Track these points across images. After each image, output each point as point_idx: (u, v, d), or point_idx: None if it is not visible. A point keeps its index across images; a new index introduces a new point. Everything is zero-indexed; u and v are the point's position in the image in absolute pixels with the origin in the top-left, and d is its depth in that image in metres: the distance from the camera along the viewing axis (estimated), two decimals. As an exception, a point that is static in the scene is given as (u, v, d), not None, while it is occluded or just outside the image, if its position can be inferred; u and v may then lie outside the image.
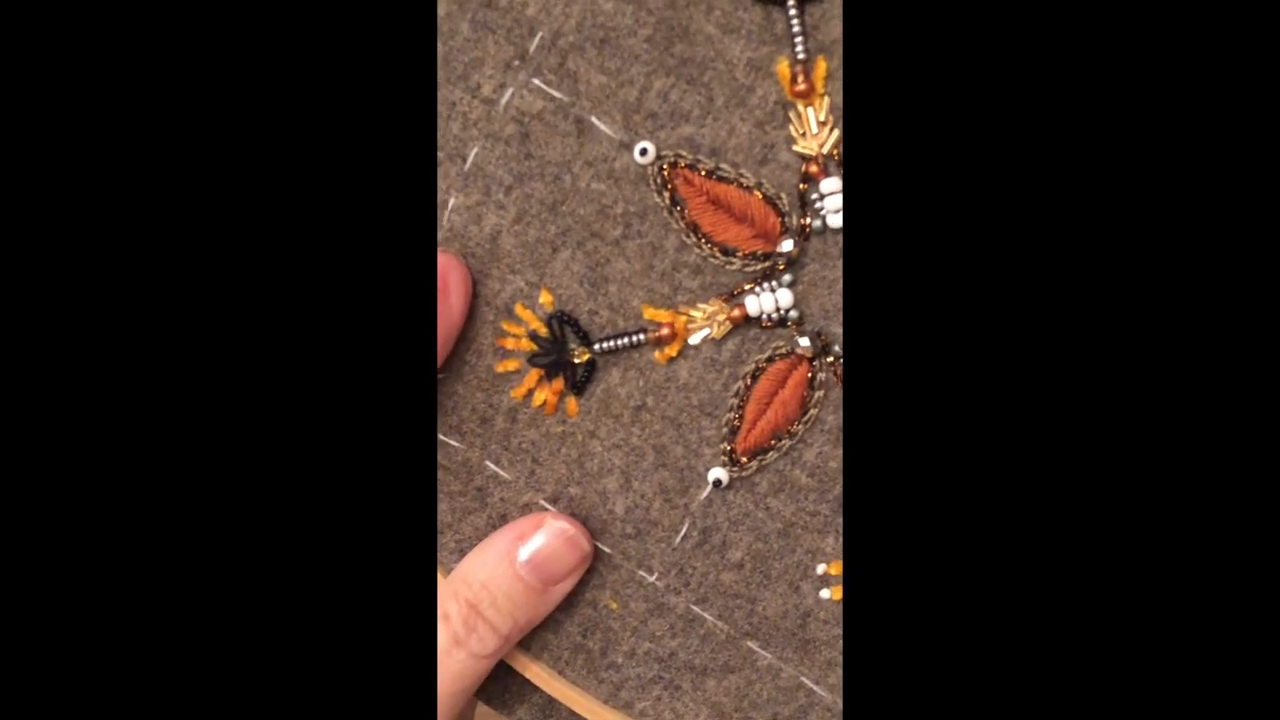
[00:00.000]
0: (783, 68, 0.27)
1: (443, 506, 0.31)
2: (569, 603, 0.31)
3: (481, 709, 0.36)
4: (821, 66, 0.27)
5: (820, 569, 0.30)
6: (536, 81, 0.28)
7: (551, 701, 0.33)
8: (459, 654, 0.29)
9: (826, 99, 0.27)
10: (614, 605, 0.31)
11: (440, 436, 0.31)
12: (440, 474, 0.31)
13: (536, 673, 0.32)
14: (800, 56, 0.27)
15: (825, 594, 0.30)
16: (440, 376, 0.30)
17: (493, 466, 0.31)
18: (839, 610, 0.30)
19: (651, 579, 0.31)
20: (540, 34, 0.28)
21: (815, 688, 0.31)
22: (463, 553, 0.31)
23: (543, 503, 0.31)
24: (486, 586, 0.30)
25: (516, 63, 0.28)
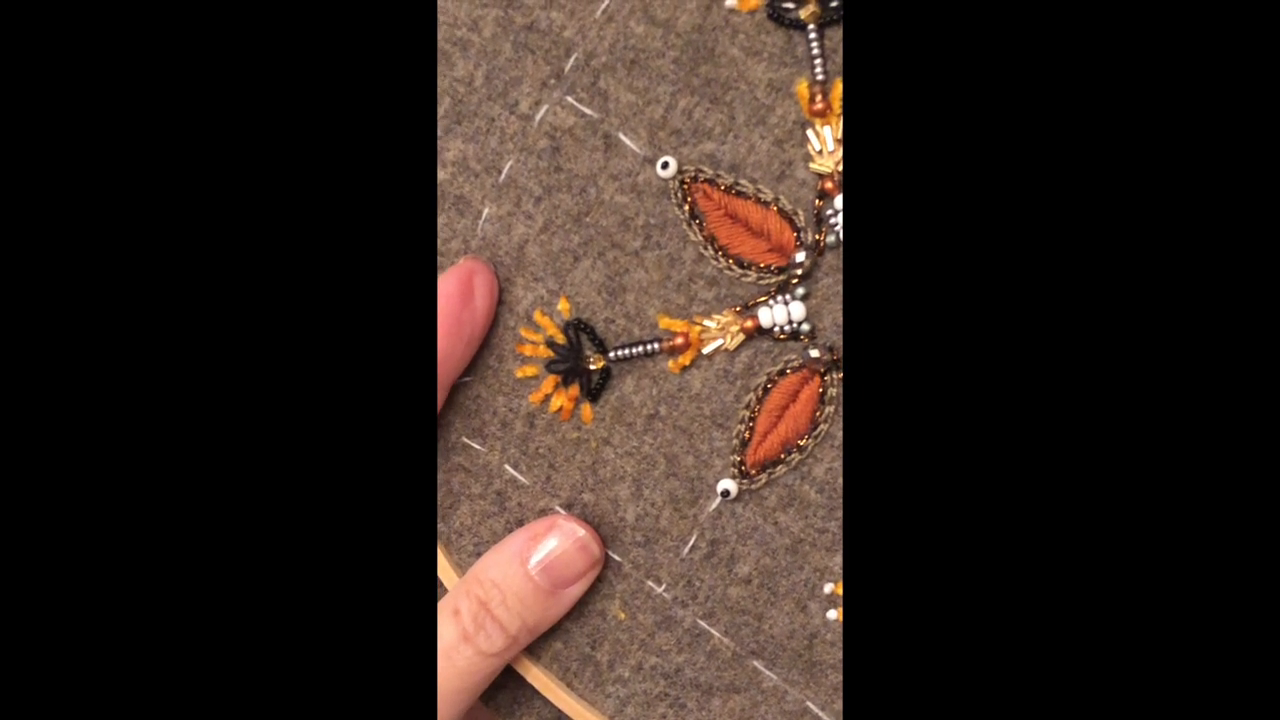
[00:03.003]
0: (802, 88, 0.28)
1: (463, 509, 0.32)
2: (578, 611, 0.31)
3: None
4: (839, 88, 0.28)
5: (828, 588, 0.30)
6: (570, 99, 0.29)
7: (560, 716, 0.33)
8: (466, 650, 0.30)
9: (843, 119, 0.28)
10: (622, 616, 0.31)
11: (464, 439, 0.32)
12: (462, 477, 0.32)
13: (545, 683, 0.32)
14: (819, 78, 0.28)
15: (832, 615, 0.30)
16: (464, 380, 0.31)
17: (511, 471, 0.31)
18: (846, 632, 0.30)
19: (660, 590, 0.31)
20: (575, 55, 0.29)
21: (821, 714, 0.30)
22: (480, 555, 0.32)
23: (558, 508, 0.31)
24: (498, 585, 0.30)
25: (552, 81, 0.29)
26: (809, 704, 0.30)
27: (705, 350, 0.29)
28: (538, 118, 0.30)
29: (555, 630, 0.32)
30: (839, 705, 0.30)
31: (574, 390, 0.30)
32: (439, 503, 0.32)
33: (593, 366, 0.30)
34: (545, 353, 0.30)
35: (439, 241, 0.31)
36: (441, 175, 0.30)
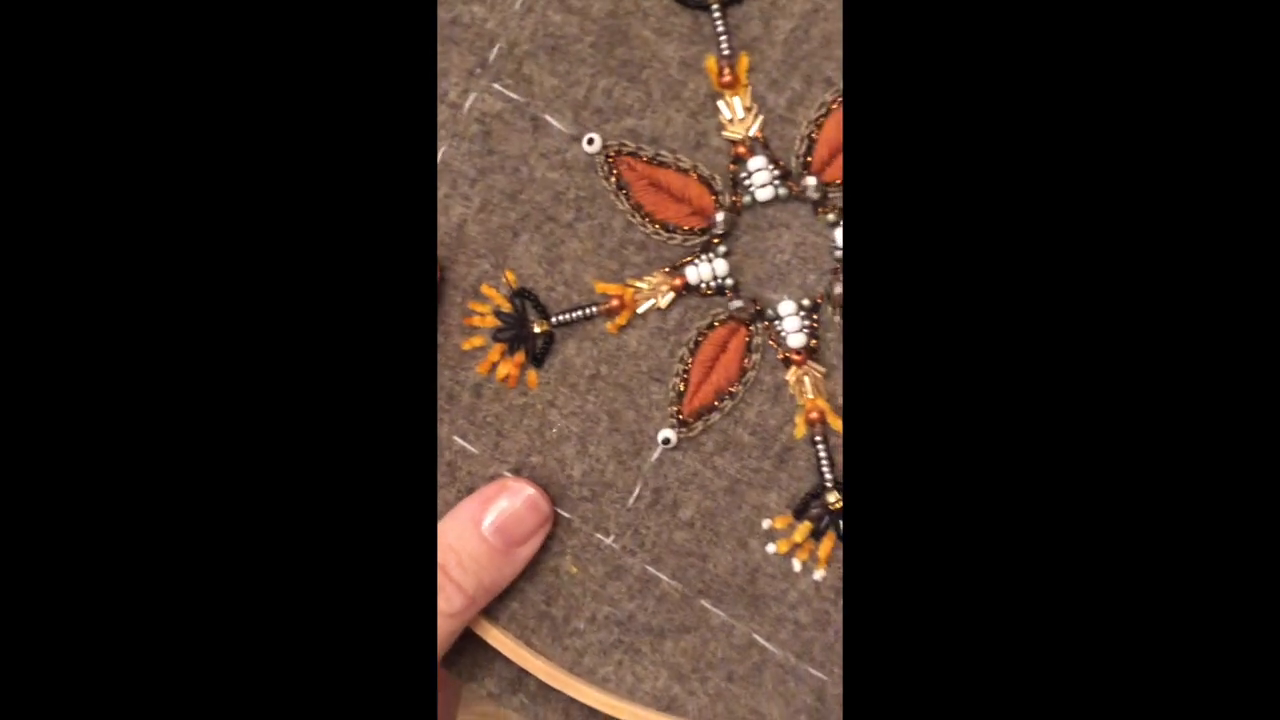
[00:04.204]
0: (711, 64, 0.31)
1: (414, 483, 0.33)
2: (532, 570, 0.33)
3: (466, 693, 0.37)
4: (744, 61, 0.31)
5: (766, 524, 0.32)
6: (496, 86, 0.32)
7: (520, 674, 0.34)
8: (427, 611, 0.31)
9: (749, 89, 0.31)
10: (574, 570, 0.33)
11: (412, 415, 0.33)
12: (412, 451, 0.33)
13: (504, 642, 0.33)
14: (725, 53, 0.30)
15: (771, 548, 0.32)
16: (412, 358, 0.33)
17: (460, 441, 0.33)
18: (786, 565, 0.32)
19: (608, 541, 0.33)
20: (499, 45, 0.31)
21: (767, 644, 0.32)
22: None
23: (506, 473, 0.33)
24: (453, 548, 0.32)
25: (478, 70, 0.32)
26: (755, 635, 0.32)
27: (639, 310, 0.32)
28: (466, 105, 0.32)
29: (511, 591, 0.33)
30: (784, 635, 0.32)
31: (519, 357, 0.32)
32: None
33: (537, 330, 0.32)
34: (493, 323, 0.32)
35: (378, 227, 0.32)
36: (378, 164, 0.32)
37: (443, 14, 0.32)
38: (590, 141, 0.31)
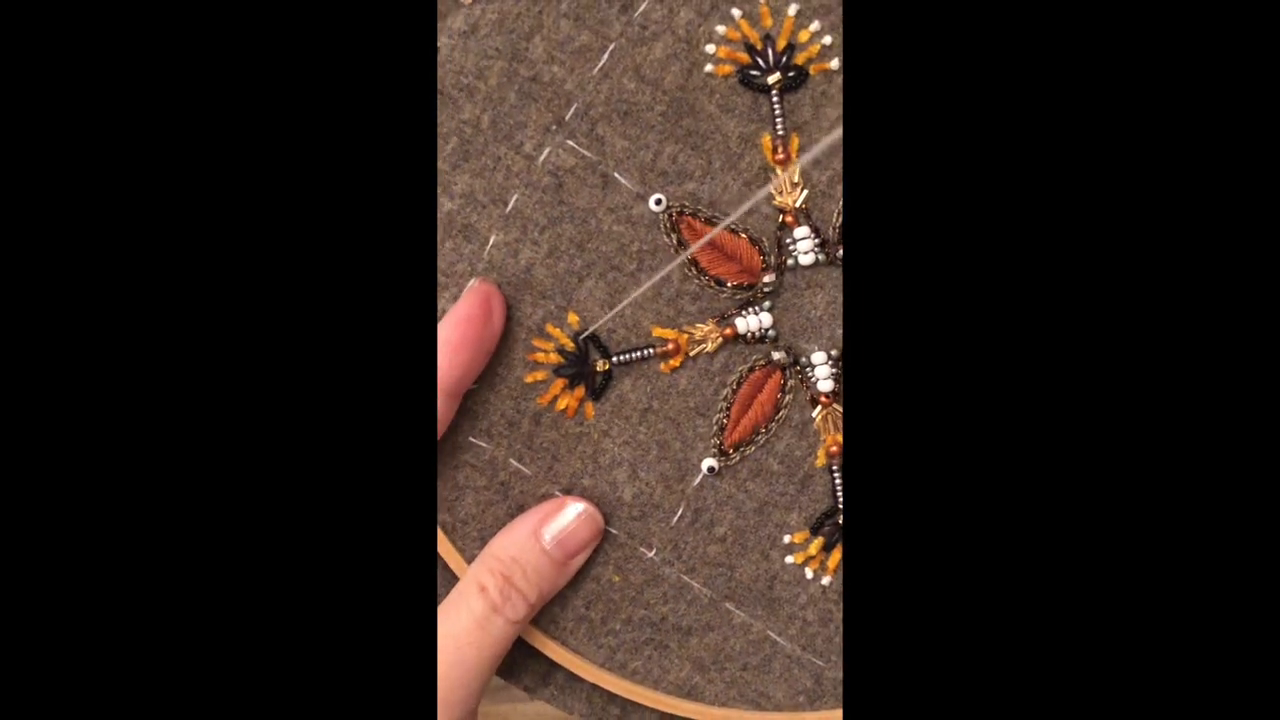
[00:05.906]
0: (766, 141, 0.35)
1: (468, 500, 0.36)
2: (574, 579, 0.37)
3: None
4: (795, 141, 0.35)
5: (786, 539, 0.37)
6: (570, 143, 0.34)
7: (551, 668, 0.38)
8: (497, 620, 0.34)
9: (798, 166, 0.35)
10: (616, 579, 0.37)
11: (470, 439, 0.36)
12: (468, 472, 0.36)
13: (543, 641, 0.37)
14: (780, 133, 0.35)
15: (790, 559, 0.37)
16: (474, 387, 0.35)
17: (515, 463, 0.36)
18: (800, 573, 0.37)
19: (650, 554, 0.37)
20: (575, 105, 0.34)
21: (779, 639, 0.38)
22: (483, 540, 0.36)
23: (557, 493, 0.36)
24: (517, 560, 0.35)
25: (554, 127, 0.34)
26: (769, 632, 0.38)
27: (691, 354, 0.36)
28: (541, 158, 0.35)
29: (553, 598, 0.37)
30: (793, 631, 0.38)
31: (579, 391, 0.36)
32: (446, 496, 0.36)
33: (599, 370, 0.35)
34: (556, 359, 0.35)
35: (447, 264, 0.35)
36: (450, 206, 0.34)
37: (523, 71, 0.34)
38: (657, 202, 0.35)
